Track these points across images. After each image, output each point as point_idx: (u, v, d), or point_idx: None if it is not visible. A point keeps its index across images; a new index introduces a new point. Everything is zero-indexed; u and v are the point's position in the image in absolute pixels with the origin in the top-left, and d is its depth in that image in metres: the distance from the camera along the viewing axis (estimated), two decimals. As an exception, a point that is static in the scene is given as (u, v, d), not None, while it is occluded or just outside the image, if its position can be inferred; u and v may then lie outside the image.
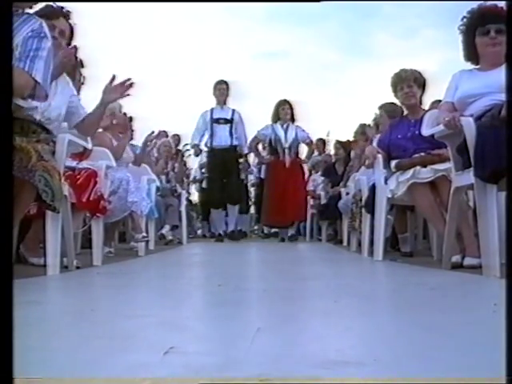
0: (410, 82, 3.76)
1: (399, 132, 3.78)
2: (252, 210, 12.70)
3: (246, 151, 7.47)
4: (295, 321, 1.26)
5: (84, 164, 3.44)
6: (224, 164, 7.01)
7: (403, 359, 0.89)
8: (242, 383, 0.76)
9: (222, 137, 7.02)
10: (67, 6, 2.91)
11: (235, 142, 7.04)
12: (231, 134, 7.02)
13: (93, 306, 1.55)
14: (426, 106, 3.94)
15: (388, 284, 2.34)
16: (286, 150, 7.02)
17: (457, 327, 1.17)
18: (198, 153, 7.43)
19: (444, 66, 14.65)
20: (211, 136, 7.06)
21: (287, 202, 6.91)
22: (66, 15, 2.89)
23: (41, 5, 2.74)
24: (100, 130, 4.37)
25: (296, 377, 0.79)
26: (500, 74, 2.61)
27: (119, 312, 1.43)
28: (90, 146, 3.24)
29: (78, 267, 2.91)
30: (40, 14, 2.73)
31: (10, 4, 1.98)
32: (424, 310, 1.44)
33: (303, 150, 7.62)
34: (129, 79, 3.00)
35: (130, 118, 5.60)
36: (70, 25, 2.91)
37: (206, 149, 7.29)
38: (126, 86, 2.97)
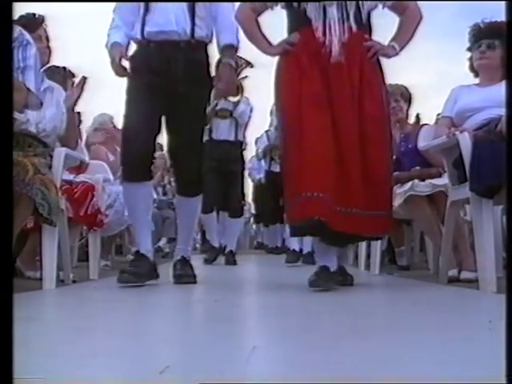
0: (396, 97, 3.79)
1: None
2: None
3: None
4: (291, 338, 1.26)
5: (81, 177, 3.44)
6: (168, 81, 2.74)
7: (397, 378, 0.89)
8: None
9: (168, 14, 2.78)
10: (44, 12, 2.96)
11: (201, 32, 2.81)
12: (193, 13, 2.80)
13: (89, 323, 1.54)
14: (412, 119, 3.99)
15: (385, 299, 2.34)
16: (333, 14, 2.52)
17: (453, 345, 1.17)
18: (120, 71, 2.73)
19: (438, 78, 14.73)
20: (145, 13, 2.81)
21: (344, 167, 2.42)
22: (43, 21, 2.94)
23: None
24: (96, 144, 4.40)
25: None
26: (498, 88, 2.64)
27: (115, 329, 1.43)
28: (87, 159, 3.25)
29: (74, 281, 2.90)
30: (21, 25, 2.76)
31: (11, 10, 1.99)
32: (419, 327, 1.44)
33: None
34: (82, 77, 3.02)
35: None
36: (45, 29, 2.96)
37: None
38: (79, 84, 3.00)
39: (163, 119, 2.81)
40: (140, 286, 2.48)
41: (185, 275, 2.80)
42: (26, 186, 2.20)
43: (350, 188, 2.39)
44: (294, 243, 5.00)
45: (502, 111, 2.45)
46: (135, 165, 2.70)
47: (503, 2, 2.21)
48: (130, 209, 2.89)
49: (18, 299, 1.88)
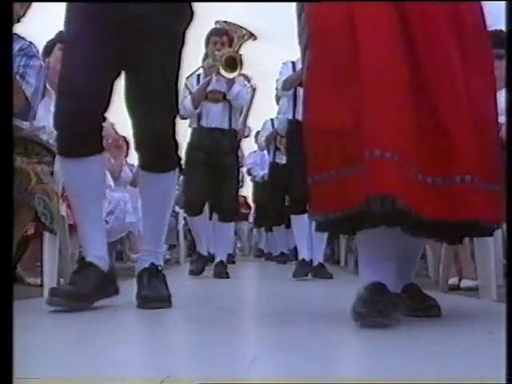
0: None
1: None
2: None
3: None
4: (291, 349, 1.26)
5: (82, 184, 3.44)
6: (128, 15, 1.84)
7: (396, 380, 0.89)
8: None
9: None
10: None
11: None
12: None
13: (88, 331, 1.54)
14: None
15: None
16: None
17: (453, 353, 1.17)
18: None
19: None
20: None
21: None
22: None
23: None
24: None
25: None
26: (499, 96, 2.64)
27: (114, 338, 1.43)
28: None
29: (74, 287, 2.89)
30: (57, 39, 2.81)
31: (11, 12, 2.00)
32: (420, 335, 1.44)
33: None
34: None
35: (125, 138, 5.54)
36: None
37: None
38: None
39: (124, 76, 1.93)
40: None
41: (154, 295, 1.90)
42: (28, 196, 2.23)
43: (455, 142, 1.44)
44: (304, 251, 3.81)
45: (503, 118, 2.45)
46: (74, 131, 1.82)
47: (503, 3, 2.13)
48: (71, 196, 1.99)
49: (19, 306, 1.89)
